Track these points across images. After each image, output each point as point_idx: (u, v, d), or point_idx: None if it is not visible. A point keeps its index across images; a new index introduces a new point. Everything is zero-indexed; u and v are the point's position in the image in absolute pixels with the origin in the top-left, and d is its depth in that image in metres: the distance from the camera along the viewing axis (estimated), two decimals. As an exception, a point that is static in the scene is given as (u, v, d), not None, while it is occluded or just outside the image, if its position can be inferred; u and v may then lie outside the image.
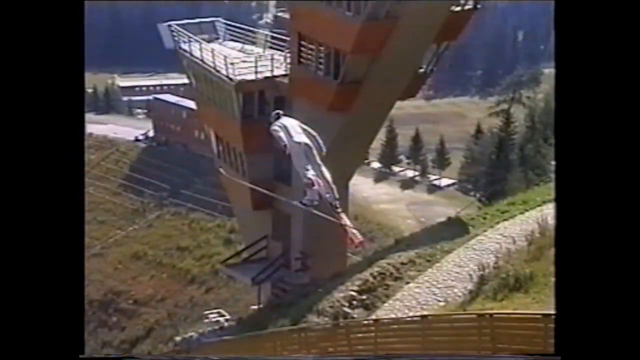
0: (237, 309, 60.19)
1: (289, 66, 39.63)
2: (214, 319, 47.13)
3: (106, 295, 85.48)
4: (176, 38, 44.25)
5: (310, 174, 18.39)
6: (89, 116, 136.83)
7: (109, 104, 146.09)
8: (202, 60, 42.35)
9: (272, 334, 29.89)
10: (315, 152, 18.71)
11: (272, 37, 43.02)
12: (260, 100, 40.63)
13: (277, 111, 18.66)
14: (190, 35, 43.48)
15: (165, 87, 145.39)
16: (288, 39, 40.11)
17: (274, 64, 40.23)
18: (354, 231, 18.40)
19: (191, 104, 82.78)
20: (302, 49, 38.06)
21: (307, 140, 18.67)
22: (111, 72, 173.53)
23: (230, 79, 39.92)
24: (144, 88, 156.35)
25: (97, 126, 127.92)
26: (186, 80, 48.84)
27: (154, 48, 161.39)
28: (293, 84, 39.07)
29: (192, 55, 43.34)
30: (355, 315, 28.92)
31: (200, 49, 42.58)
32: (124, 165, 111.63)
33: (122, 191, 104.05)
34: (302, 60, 38.24)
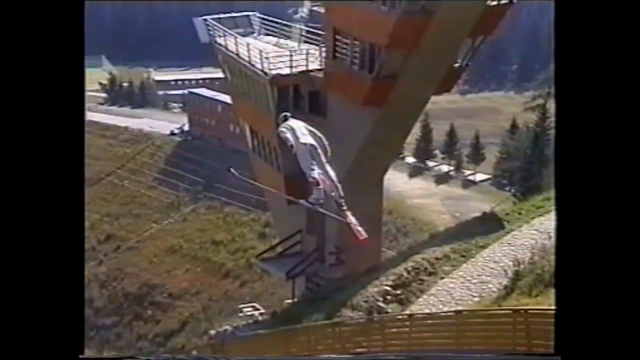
0: (272, 303, 60.29)
1: (323, 60, 39.57)
2: (248, 313, 47.20)
3: (141, 289, 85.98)
4: (212, 32, 44.33)
5: (316, 173, 19.57)
6: (124, 110, 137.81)
7: (145, 98, 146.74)
8: (237, 55, 42.41)
9: (307, 328, 29.91)
10: (320, 152, 19.72)
11: (307, 32, 42.95)
12: (295, 95, 40.63)
13: (285, 113, 19.31)
14: (226, 29, 43.54)
15: (200, 81, 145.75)
16: (323, 33, 40.05)
17: (308, 58, 40.20)
18: (359, 228, 18.85)
19: (226, 98, 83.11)
20: (337, 43, 38.00)
21: (312, 141, 19.76)
22: (147, 66, 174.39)
23: (265, 73, 39.95)
24: (180, 82, 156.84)
25: (132, 120, 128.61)
26: (221, 75, 48.91)
27: (190, 42, 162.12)
28: (328, 79, 39.02)
29: (227, 49, 43.41)
30: (389, 310, 28.88)
31: (236, 43, 42.63)
32: (159, 159, 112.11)
33: (157, 185, 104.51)
34: (337, 54, 38.18)
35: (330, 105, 39.43)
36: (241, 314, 47.89)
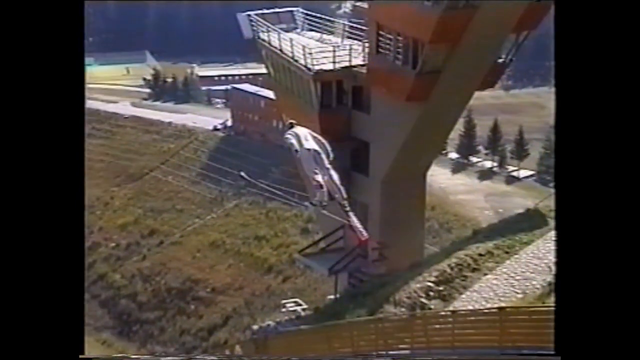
0: (314, 299, 60.36)
1: (367, 56, 39.50)
2: (291, 308, 47.26)
3: (184, 284, 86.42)
4: (255, 28, 44.38)
5: (319, 177, 21.02)
6: (168, 105, 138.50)
7: (188, 94, 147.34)
8: (280, 50, 42.44)
9: (349, 324, 29.87)
10: (324, 157, 21.10)
11: (351, 27, 42.88)
12: (338, 90, 40.59)
13: (291, 121, 20.43)
14: (269, 25, 43.58)
15: (243, 77, 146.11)
16: (366, 28, 39.96)
17: (352, 53, 40.13)
18: (361, 229, 19.81)
19: (269, 94, 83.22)
20: (381, 38, 37.91)
21: (316, 147, 21.20)
22: (190, 61, 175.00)
23: (309, 69, 39.94)
24: (223, 78, 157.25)
25: (176, 115, 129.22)
26: (264, 70, 48.96)
27: (233, 38, 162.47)
28: (371, 74, 38.95)
29: (270, 44, 43.46)
30: (432, 307, 28.81)
31: (279, 39, 42.66)
32: (202, 155, 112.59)
33: (201, 180, 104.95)
34: (380, 50, 38.09)
35: (373, 100, 39.36)
36: (284, 310, 47.96)
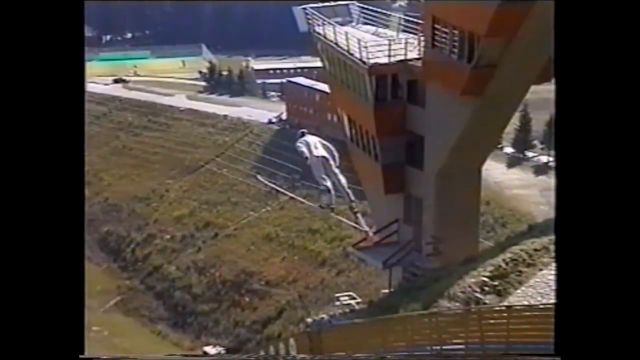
0: (368, 292, 60.38)
1: (422, 50, 39.39)
2: (344, 302, 47.32)
3: (239, 276, 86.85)
4: (310, 21, 44.46)
5: (328, 182, 23.49)
6: (223, 98, 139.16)
7: (244, 87, 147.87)
8: (335, 44, 42.46)
9: (403, 317, 29.84)
10: (332, 162, 23.51)
11: (406, 21, 42.77)
12: (393, 84, 40.54)
13: (302, 130, 22.85)
14: (325, 18, 43.62)
15: (298, 70, 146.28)
16: (422, 22, 39.85)
17: (407, 47, 40.04)
18: (367, 229, 22.76)
19: (324, 87, 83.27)
20: (436, 32, 37.78)
21: (325, 154, 23.41)
22: (246, 55, 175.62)
23: (364, 62, 39.93)
24: (278, 71, 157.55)
25: (231, 108, 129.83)
26: (319, 63, 49.01)
27: (289, 31, 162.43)
28: (426, 68, 38.84)
29: (326, 38, 43.49)
30: (487, 301, 28.68)
31: (334, 32, 42.69)
32: (257, 148, 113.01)
33: (255, 173, 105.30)
34: (435, 43, 37.96)
35: (428, 94, 39.25)
36: (338, 303, 48.03)
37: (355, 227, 33.50)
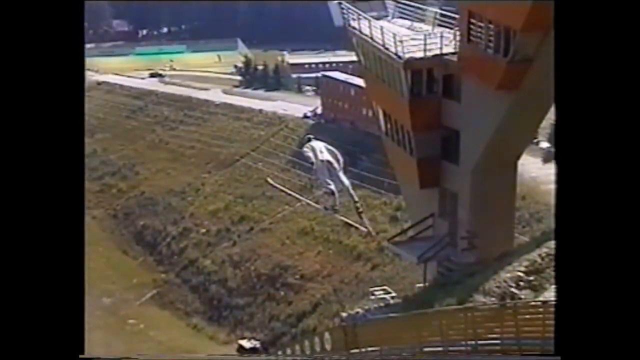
0: (403, 287, 60.28)
1: (458, 44, 39.29)
2: (379, 296, 47.33)
3: (274, 270, 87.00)
4: (346, 15, 44.48)
5: (331, 186, 24.75)
6: (259, 92, 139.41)
7: (279, 81, 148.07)
8: (371, 38, 42.44)
9: (438, 312, 29.87)
10: (336, 166, 24.94)
11: (442, 15, 42.63)
12: (428, 78, 40.45)
13: (309, 135, 24.86)
14: (360, 12, 43.62)
15: (334, 65, 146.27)
16: (457, 16, 39.73)
17: (442, 41, 39.95)
18: (370, 228, 24.88)
19: (359, 82, 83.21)
20: (472, 26, 37.67)
21: (329, 158, 25.12)
22: (281, 49, 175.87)
23: (399, 57, 39.87)
24: (313, 65, 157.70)
25: (266, 102, 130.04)
26: (355, 58, 49.00)
27: (324, 25, 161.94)
28: (462, 62, 38.74)
29: (361, 32, 43.47)
30: (522, 297, 28.62)
31: (370, 27, 42.65)
32: (292, 142, 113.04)
33: (290, 167, 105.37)
34: (471, 38, 37.85)
35: (464, 89, 39.14)
36: (372, 297, 48.06)
37: (356, 227, 34.63)
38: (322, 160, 24.89)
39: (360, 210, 23.32)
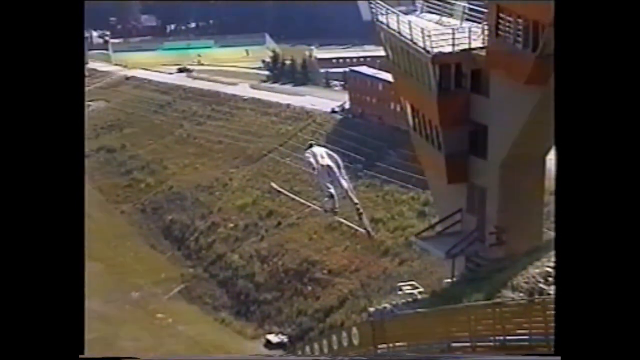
0: (430, 282, 60.19)
1: (486, 38, 39.16)
2: (407, 291, 47.30)
3: (301, 265, 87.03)
4: (374, 10, 44.46)
5: (331, 190, 26.86)
6: (286, 87, 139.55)
7: (306, 76, 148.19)
8: (399, 32, 42.38)
9: (467, 307, 29.77)
10: (336, 170, 26.65)
11: (470, 9, 42.49)
12: (456, 73, 40.34)
13: (310, 142, 28.24)
14: (388, 7, 43.56)
15: (361, 59, 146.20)
16: (486, 10, 39.59)
17: (471, 36, 39.83)
18: (369, 229, 27.22)
19: (387, 76, 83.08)
20: (500, 21, 37.51)
21: (330, 163, 26.77)
22: (309, 44, 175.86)
23: (427, 51, 39.79)
24: (341, 60, 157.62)
25: (294, 97, 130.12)
26: (383, 53, 48.95)
27: (352, 20, 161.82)
28: (490, 57, 38.61)
29: (389, 27, 43.42)
30: (551, 292, 28.46)
31: (398, 21, 42.60)
32: (320, 137, 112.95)
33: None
34: (500, 32, 37.70)
35: (492, 83, 39.01)
36: (400, 292, 48.03)
37: (356, 229, 35.56)
38: (322, 165, 26.70)
39: (360, 211, 26.03)
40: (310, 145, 27.30)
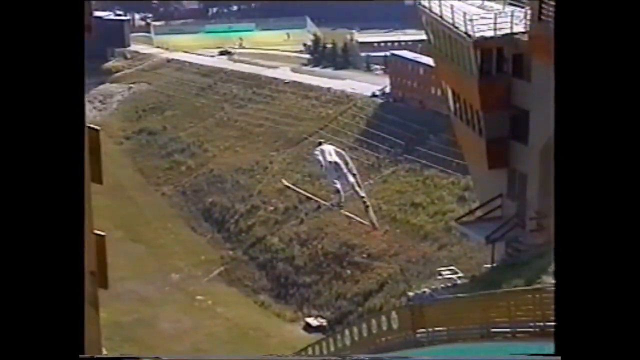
0: (470, 267, 60.07)
1: (528, 23, 38.93)
2: (446, 276, 47.28)
3: (340, 249, 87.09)
4: (416, -6, 44.36)
5: (337, 185, 28.98)
6: (327, 71, 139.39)
7: (347, 60, 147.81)
8: (440, 17, 42.26)
9: (506, 293, 29.72)
10: (343, 166, 28.70)
11: (513, -7, 42.31)
12: (498, 58, 40.19)
13: (319, 140, 29.99)
14: (430, -9, 43.46)
15: (403, 43, 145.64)
16: (529, -5, 39.39)
17: (513, 20, 39.63)
18: (374, 220, 30.13)
19: (428, 61, 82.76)
20: (543, 5, 37.27)
21: (337, 160, 28.74)
22: (350, 27, 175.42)
23: (469, 36, 39.65)
24: (382, 44, 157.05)
25: (335, 81, 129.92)
26: (424, 37, 48.84)
27: (394, 4, 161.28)
28: (532, 41, 38.39)
29: (431, 11, 43.31)
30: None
31: (440, 5, 42.48)
32: (360, 121, 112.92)
33: (358, 146, 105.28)
34: (542, 17, 37.46)
35: (534, 68, 38.80)
36: (439, 277, 48.03)
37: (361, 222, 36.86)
38: (330, 162, 28.61)
39: (367, 205, 28.43)
40: (320, 143, 29.89)
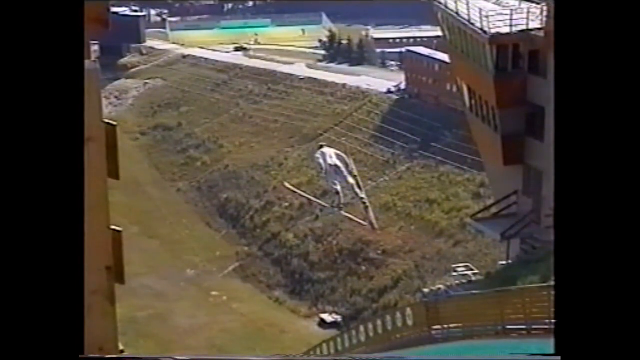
0: (485, 264, 60.00)
1: (544, 19, 38.82)
2: (461, 273, 47.23)
3: (355, 245, 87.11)
4: (431, -10, 44.29)
5: (337, 187, 28.92)
6: (343, 67, 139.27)
7: (363, 56, 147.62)
8: (456, 13, 42.21)
9: (521, 290, 29.68)
10: (343, 169, 28.71)
11: (529, -10, 42.19)
12: (514, 54, 40.14)
13: (320, 144, 31.57)
14: (446, -13, 43.38)
15: (418, 40, 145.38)
16: (545, -9, 39.26)
17: (529, 17, 39.53)
18: (373, 221, 30.28)
19: (444, 57, 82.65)
20: (560, 1, 37.16)
21: (338, 163, 28.77)
22: (365, 24, 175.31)
23: (485, 32, 39.60)
24: (398, 40, 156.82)
25: (350, 77, 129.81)
26: (440, 33, 48.76)
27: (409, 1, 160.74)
28: (548, 38, 38.26)
29: (447, 7, 43.26)
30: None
31: (456, 2, 42.42)
32: (375, 117, 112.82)
33: (373, 142, 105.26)
34: (559, 13, 37.34)
35: (550, 65, 38.67)
36: (454, 274, 48.00)
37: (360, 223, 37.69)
38: (330, 165, 28.94)
39: (367, 205, 30.21)
40: (321, 146, 30.53)
